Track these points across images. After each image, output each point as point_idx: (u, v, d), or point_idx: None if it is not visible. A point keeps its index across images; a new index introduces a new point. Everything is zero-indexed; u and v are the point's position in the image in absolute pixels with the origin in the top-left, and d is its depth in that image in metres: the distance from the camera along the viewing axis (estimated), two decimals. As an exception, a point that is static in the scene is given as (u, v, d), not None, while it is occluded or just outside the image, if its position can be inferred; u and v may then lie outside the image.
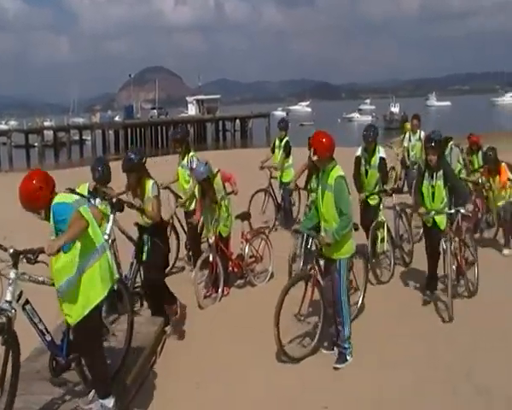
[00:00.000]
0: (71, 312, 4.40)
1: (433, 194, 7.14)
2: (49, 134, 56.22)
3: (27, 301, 4.36)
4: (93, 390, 4.76)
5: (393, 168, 13.39)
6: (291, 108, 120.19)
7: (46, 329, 4.53)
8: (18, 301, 4.27)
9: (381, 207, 8.44)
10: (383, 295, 7.51)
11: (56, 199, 4.32)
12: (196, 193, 8.02)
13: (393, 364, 5.73)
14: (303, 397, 5.24)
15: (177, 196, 8.93)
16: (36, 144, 52.96)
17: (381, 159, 8.43)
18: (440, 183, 7.08)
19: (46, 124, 61.37)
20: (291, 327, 6.01)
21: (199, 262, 7.65)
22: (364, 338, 6.20)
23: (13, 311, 4.18)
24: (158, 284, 6.61)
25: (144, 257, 6.68)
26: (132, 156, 6.36)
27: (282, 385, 5.46)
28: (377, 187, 8.52)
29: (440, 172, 7.06)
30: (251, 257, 8.27)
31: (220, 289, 7.74)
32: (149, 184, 6.38)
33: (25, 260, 4.27)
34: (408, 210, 8.97)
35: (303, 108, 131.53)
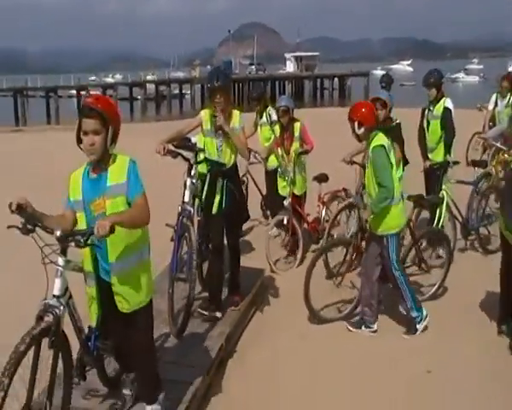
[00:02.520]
0: (130, 295, 3.56)
1: None
2: (151, 88, 58.00)
3: (71, 296, 3.57)
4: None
5: (479, 133, 11.39)
6: (391, 66, 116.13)
7: (82, 327, 3.75)
8: (64, 295, 3.45)
9: (445, 179, 7.34)
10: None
11: (131, 157, 3.50)
12: (277, 132, 7.69)
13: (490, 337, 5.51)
14: (406, 361, 5.11)
15: (249, 151, 8.73)
16: (139, 97, 54.96)
17: (446, 109, 7.41)
18: None
19: (148, 78, 63.41)
20: (332, 291, 5.95)
21: (271, 225, 7.46)
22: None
23: (61, 307, 3.36)
24: (236, 246, 5.82)
25: (215, 210, 5.49)
26: (226, 71, 5.52)
27: (386, 347, 5.36)
28: (440, 145, 7.49)
29: None
30: (327, 221, 7.79)
31: (300, 252, 7.44)
32: (237, 112, 5.50)
33: (73, 244, 3.37)
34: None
35: (404, 67, 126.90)
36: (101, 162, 3.40)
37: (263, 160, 8.26)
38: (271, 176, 7.96)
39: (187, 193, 5.24)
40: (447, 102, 7.48)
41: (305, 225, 7.68)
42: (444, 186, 7.30)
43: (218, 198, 5.44)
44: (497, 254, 5.98)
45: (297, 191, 7.50)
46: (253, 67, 69.07)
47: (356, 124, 5.26)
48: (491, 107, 10.67)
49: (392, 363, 5.08)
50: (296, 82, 62.94)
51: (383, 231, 5.35)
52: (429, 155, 7.60)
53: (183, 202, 5.20)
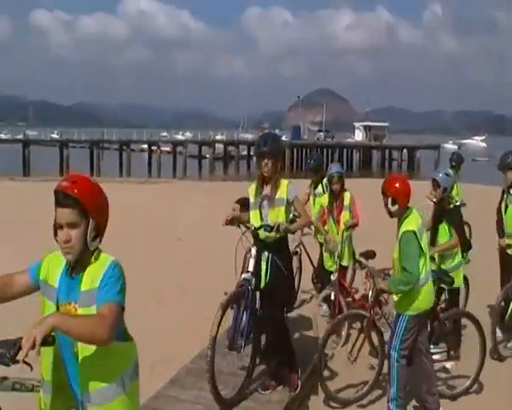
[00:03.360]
0: None
1: None
2: (219, 147, 59.48)
3: None
4: None
5: None
6: (464, 141, 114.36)
7: None
8: None
9: None
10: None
11: (115, 260, 2.67)
12: (326, 201, 7.41)
13: None
14: None
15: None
16: (207, 156, 56.40)
17: None
18: None
19: (218, 137, 65.10)
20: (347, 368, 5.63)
21: (319, 301, 7.20)
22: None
23: None
24: (279, 325, 5.16)
25: (263, 284, 5.01)
26: (278, 136, 5.31)
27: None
28: None
29: None
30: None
31: (345, 331, 6.88)
32: (285, 181, 5.05)
33: None
34: None
35: (477, 142, 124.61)
36: (79, 262, 2.61)
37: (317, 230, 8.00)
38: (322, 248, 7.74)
39: (251, 262, 5.01)
40: None
41: (352, 302, 7.22)
42: None
43: (263, 272, 5.01)
44: None
45: (343, 262, 7.28)
46: (322, 133, 69.58)
47: (389, 200, 4.98)
48: None
49: None
50: (364, 151, 62.79)
51: (400, 309, 5.05)
52: (506, 241, 6.97)
53: (247, 271, 4.99)
